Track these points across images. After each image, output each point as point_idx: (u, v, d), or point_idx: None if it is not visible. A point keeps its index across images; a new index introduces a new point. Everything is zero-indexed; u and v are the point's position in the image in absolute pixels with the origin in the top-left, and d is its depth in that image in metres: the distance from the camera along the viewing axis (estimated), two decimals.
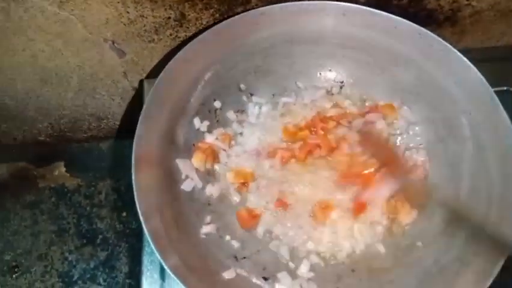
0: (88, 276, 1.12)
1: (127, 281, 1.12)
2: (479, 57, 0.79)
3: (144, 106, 0.71)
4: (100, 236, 1.16)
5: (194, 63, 0.79)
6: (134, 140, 0.68)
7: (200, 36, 0.80)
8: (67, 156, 1.26)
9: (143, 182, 0.67)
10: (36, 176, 1.23)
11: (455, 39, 1.04)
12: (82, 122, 1.20)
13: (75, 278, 1.12)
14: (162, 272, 0.76)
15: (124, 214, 1.18)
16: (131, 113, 1.18)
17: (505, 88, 0.94)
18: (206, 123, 0.84)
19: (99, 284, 1.11)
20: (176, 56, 0.77)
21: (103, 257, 1.14)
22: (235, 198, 0.81)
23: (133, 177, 0.66)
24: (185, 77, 0.79)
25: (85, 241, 1.16)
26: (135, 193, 0.65)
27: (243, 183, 0.82)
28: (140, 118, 0.70)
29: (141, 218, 0.63)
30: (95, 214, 1.19)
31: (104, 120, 1.21)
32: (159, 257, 0.61)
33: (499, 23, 1.03)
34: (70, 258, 1.14)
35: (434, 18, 0.97)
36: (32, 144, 1.26)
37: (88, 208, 1.20)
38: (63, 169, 1.24)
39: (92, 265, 1.13)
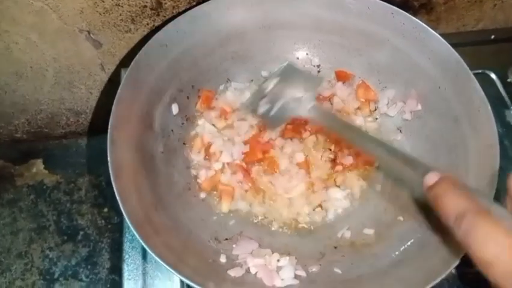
0: (70, 273, 1.09)
1: (110, 276, 1.10)
2: (455, 41, 0.80)
3: (119, 89, 0.71)
4: (81, 233, 1.14)
5: (170, 47, 0.79)
6: (110, 121, 0.67)
7: (175, 20, 0.79)
8: (44, 153, 1.23)
9: (119, 164, 0.66)
10: (14, 174, 1.20)
11: (431, 27, 1.04)
12: (60, 117, 1.18)
13: (56, 275, 1.09)
14: (144, 255, 0.76)
15: (105, 210, 1.16)
16: (110, 107, 1.16)
17: (480, 71, 0.96)
18: (183, 109, 0.83)
19: (81, 280, 1.09)
20: (152, 40, 0.77)
21: (84, 253, 1.11)
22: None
23: (109, 160, 0.64)
24: (161, 61, 0.78)
25: (65, 238, 1.13)
26: (112, 177, 0.63)
27: None
28: (115, 100, 0.69)
29: (119, 199, 0.62)
30: (75, 210, 1.16)
31: (83, 115, 1.19)
32: (139, 238, 0.60)
33: (473, 9, 1.05)
34: (50, 256, 1.11)
35: (409, 5, 0.99)
36: (9, 141, 1.24)
37: (68, 205, 1.17)
38: (41, 166, 1.22)
39: (73, 262, 1.10)
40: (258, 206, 0.79)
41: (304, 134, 0.84)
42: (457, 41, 0.82)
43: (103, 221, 1.15)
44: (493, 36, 1.07)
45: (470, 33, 1.11)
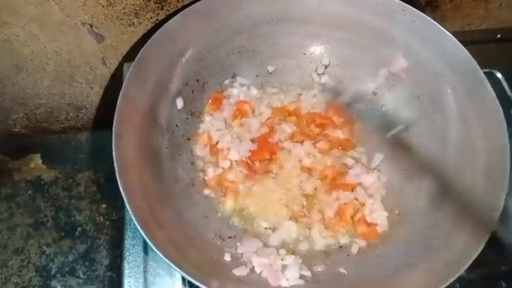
0: (67, 269, 1.08)
1: (108, 273, 1.09)
2: (461, 41, 0.79)
3: (125, 82, 0.69)
4: (79, 229, 1.13)
5: (176, 40, 0.78)
6: (115, 114, 0.66)
7: (182, 13, 0.78)
8: (43, 147, 1.22)
9: (125, 159, 0.65)
10: (12, 169, 1.19)
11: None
12: (59, 111, 1.17)
13: (53, 271, 1.08)
14: (146, 252, 0.74)
15: (104, 206, 1.14)
16: (110, 102, 1.14)
17: (487, 70, 0.95)
18: (188, 103, 0.82)
19: (78, 277, 1.08)
20: (159, 32, 0.76)
21: (82, 250, 1.10)
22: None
23: (114, 155, 0.63)
24: (166, 54, 0.77)
25: (63, 234, 1.12)
26: (116, 171, 0.62)
27: None
28: (121, 93, 0.68)
29: (124, 195, 0.60)
30: (73, 206, 1.15)
31: (83, 110, 1.18)
32: (143, 234, 0.59)
33: (478, 8, 1.05)
34: (47, 252, 1.10)
35: (415, 3, 0.97)
36: (7, 135, 1.22)
37: (66, 200, 1.16)
38: (39, 161, 1.20)
39: (71, 258, 1.09)
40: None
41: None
42: (463, 40, 0.81)
43: (101, 218, 1.14)
44: (499, 35, 1.06)
45: (476, 32, 1.10)
